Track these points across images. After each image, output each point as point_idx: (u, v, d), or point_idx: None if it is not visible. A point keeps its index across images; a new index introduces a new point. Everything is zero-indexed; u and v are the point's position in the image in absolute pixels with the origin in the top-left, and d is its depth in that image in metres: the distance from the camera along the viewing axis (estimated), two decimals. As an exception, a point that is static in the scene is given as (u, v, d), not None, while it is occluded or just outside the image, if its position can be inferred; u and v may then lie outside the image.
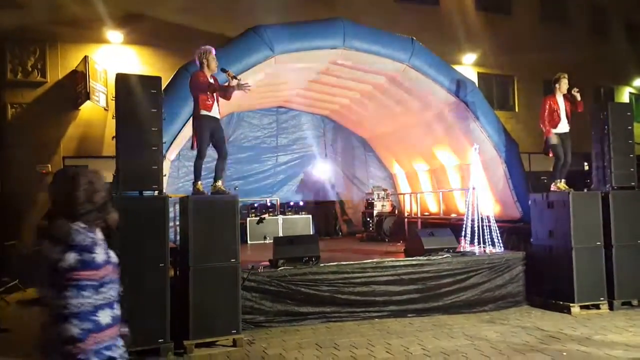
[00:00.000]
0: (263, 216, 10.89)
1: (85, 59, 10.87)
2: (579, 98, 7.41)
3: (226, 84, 5.98)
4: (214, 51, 5.97)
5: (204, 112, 5.86)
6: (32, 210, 9.97)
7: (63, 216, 1.99)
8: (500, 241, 7.79)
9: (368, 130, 12.35)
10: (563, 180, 7.45)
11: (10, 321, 6.70)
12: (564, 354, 5.11)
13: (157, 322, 5.27)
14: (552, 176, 7.60)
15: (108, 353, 1.95)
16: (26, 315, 6.76)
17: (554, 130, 7.34)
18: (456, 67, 9.84)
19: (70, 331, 1.87)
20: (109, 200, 2.11)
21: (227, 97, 6.04)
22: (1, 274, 6.77)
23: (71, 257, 1.92)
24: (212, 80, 5.89)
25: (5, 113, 11.35)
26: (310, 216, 11.47)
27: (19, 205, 10.44)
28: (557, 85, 7.43)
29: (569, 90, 7.43)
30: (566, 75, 7.47)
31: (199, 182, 5.93)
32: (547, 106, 7.37)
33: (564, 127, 7.44)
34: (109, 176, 8.27)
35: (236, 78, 5.96)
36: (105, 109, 11.53)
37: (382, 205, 11.46)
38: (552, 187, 7.44)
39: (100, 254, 2.03)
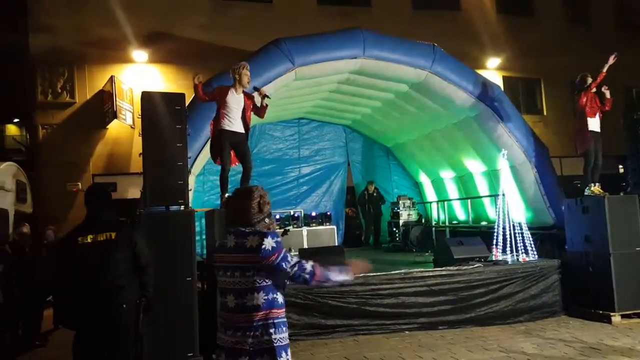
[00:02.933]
0: (287, 228, 10.85)
1: (112, 78, 11.15)
2: (608, 95, 7.18)
3: (253, 96, 6.08)
4: (247, 67, 6.01)
5: (222, 127, 5.91)
6: (64, 227, 10.17)
7: (240, 224, 2.53)
8: (534, 249, 7.55)
9: (391, 139, 12.24)
10: (597, 184, 7.19)
11: (45, 336, 6.82)
12: (607, 366, 4.88)
13: (185, 336, 5.26)
14: (584, 180, 7.35)
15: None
16: (60, 330, 6.86)
17: (589, 126, 7.09)
18: (480, 72, 9.69)
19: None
20: (270, 212, 2.61)
21: (260, 115, 6.14)
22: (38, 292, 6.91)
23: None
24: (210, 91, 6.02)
25: (36, 134, 11.72)
26: (334, 227, 11.38)
27: (52, 222, 10.69)
28: (584, 84, 7.23)
29: (598, 88, 7.21)
30: (588, 75, 7.25)
31: (226, 195, 5.96)
32: (586, 99, 7.13)
33: (595, 125, 7.20)
34: (136, 192, 8.41)
35: (267, 97, 6.05)
36: (132, 127, 11.77)
37: (408, 215, 11.29)
38: (586, 192, 7.19)
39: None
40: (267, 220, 2.57)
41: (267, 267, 2.42)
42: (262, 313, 2.40)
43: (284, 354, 2.39)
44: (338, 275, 2.55)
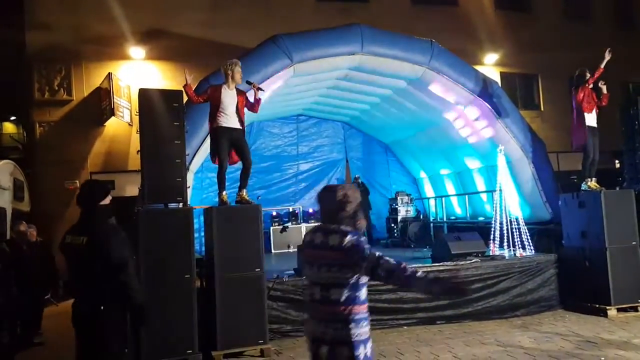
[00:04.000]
0: (286, 225, 10.88)
1: (109, 75, 11.12)
2: (605, 91, 7.20)
3: (247, 91, 6.07)
4: (239, 64, 6.02)
5: (219, 124, 5.91)
6: (61, 225, 10.16)
7: (328, 221, 2.64)
8: (531, 244, 7.59)
9: (390, 135, 12.25)
10: (594, 178, 7.22)
11: (44, 334, 6.84)
12: (602, 359, 4.92)
13: (185, 333, 5.29)
14: (581, 175, 7.38)
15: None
16: (58, 328, 6.88)
17: (586, 121, 7.12)
18: (478, 68, 9.70)
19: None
20: (359, 210, 2.63)
21: (254, 109, 6.16)
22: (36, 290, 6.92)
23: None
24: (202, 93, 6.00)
25: (33, 131, 11.70)
26: (333, 224, 11.41)
27: (49, 220, 10.69)
28: (582, 79, 7.25)
29: (596, 84, 7.23)
30: (587, 70, 7.27)
31: (224, 193, 5.97)
32: (583, 94, 7.16)
33: (592, 120, 7.23)
34: (134, 190, 8.41)
35: (261, 89, 6.04)
36: (129, 124, 11.76)
37: (407, 211, 11.32)
38: (583, 187, 7.22)
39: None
40: (353, 218, 2.62)
41: (349, 265, 2.50)
42: (343, 308, 2.50)
43: (361, 348, 2.49)
44: (425, 284, 2.48)
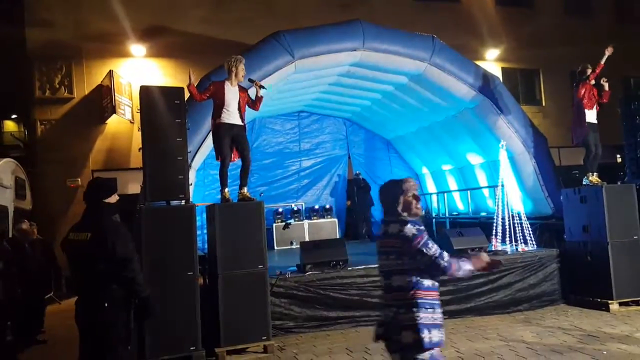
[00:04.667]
0: (289, 221, 10.89)
1: (110, 73, 11.12)
2: (606, 87, 7.18)
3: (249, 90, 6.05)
4: (243, 60, 6.01)
5: (221, 121, 5.91)
6: (63, 223, 10.19)
7: (387, 214, 2.86)
8: (533, 238, 7.59)
9: (391, 131, 12.24)
10: (595, 173, 7.22)
11: (47, 332, 6.87)
12: (604, 353, 4.93)
13: (188, 330, 5.31)
14: (583, 170, 7.38)
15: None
16: (62, 327, 6.90)
17: (586, 118, 7.11)
18: (479, 63, 9.68)
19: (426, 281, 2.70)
20: (414, 199, 2.81)
21: (255, 107, 6.18)
22: (38, 288, 6.94)
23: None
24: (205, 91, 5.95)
25: (35, 130, 11.71)
26: (336, 220, 11.43)
27: (51, 218, 10.71)
28: (583, 74, 7.22)
29: (597, 80, 7.21)
30: (588, 66, 7.25)
31: (226, 190, 5.97)
32: (584, 90, 7.14)
33: (592, 116, 7.22)
34: (136, 187, 8.43)
35: (263, 87, 6.04)
36: (131, 122, 11.76)
37: (409, 207, 11.29)
38: (585, 181, 7.22)
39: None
40: (409, 208, 2.80)
41: (408, 252, 2.67)
42: (404, 293, 2.67)
43: (426, 332, 2.59)
44: (466, 265, 2.71)
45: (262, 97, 6.12)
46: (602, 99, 7.24)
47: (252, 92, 6.29)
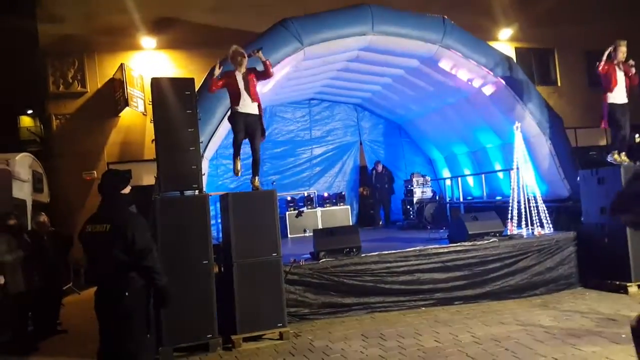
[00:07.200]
0: (302, 209, 10.92)
1: (122, 66, 11.17)
2: (633, 71, 7.00)
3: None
4: (240, 49, 6.01)
5: (235, 110, 5.96)
6: (80, 215, 10.35)
7: None
8: (549, 221, 7.49)
9: (402, 115, 12.13)
10: (623, 153, 7.05)
11: (67, 322, 7.02)
12: (623, 336, 4.86)
13: (205, 318, 5.38)
14: (611, 147, 7.21)
15: None
16: (81, 317, 7.05)
17: (610, 99, 6.95)
18: (492, 44, 9.50)
19: None
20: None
21: (268, 74, 6.12)
22: (56, 279, 7.08)
23: None
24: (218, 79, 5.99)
25: (50, 124, 11.86)
26: (348, 207, 11.42)
27: (68, 210, 10.89)
28: (613, 53, 7.03)
29: (627, 60, 7.03)
30: (624, 43, 7.03)
31: (256, 178, 6.07)
32: (602, 70, 6.98)
33: (621, 97, 7.04)
34: (150, 179, 8.50)
35: (261, 49, 6.07)
36: (143, 114, 11.83)
37: (422, 192, 11.25)
38: (609, 158, 7.07)
39: None
40: None
41: None
42: None
43: None
44: None
45: (267, 61, 6.08)
46: (630, 81, 7.07)
47: (258, 65, 6.22)
